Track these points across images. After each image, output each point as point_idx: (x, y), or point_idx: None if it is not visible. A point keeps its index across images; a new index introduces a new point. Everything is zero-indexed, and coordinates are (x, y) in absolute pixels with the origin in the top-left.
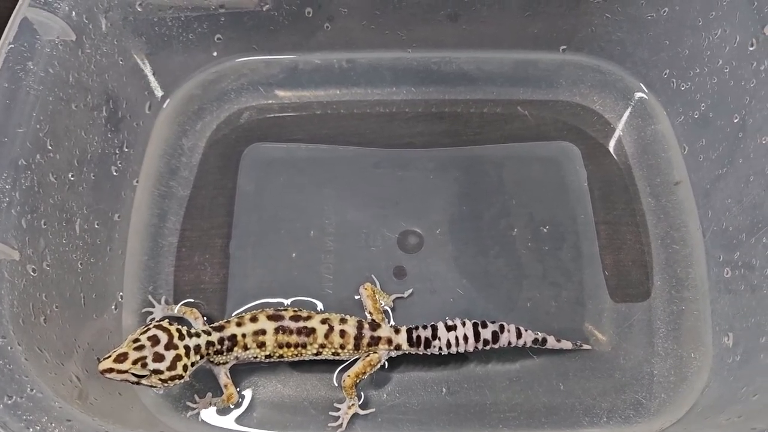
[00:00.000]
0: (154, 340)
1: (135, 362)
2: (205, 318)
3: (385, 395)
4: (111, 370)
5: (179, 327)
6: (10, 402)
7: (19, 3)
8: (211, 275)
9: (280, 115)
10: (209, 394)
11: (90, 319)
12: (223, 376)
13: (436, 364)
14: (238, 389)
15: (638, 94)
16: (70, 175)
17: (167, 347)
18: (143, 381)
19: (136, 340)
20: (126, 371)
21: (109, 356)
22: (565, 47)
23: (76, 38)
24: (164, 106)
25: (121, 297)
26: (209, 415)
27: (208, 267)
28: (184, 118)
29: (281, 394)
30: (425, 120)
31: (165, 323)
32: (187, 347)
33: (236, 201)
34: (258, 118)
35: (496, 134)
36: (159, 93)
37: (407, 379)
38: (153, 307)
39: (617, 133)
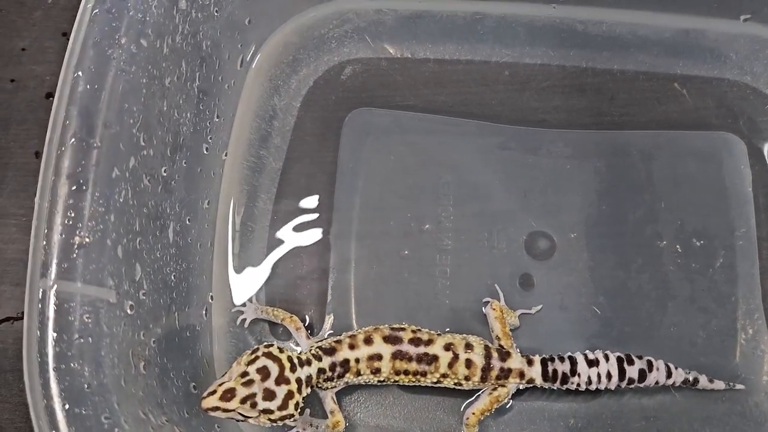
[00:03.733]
0: (264, 373)
1: (243, 401)
2: (307, 328)
3: (504, 427)
4: (216, 408)
5: (290, 354)
6: None
7: None
8: (308, 269)
9: (390, 74)
10: (307, 411)
11: (183, 338)
12: (330, 401)
13: (564, 394)
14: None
15: None
16: (162, 171)
17: (278, 381)
18: (250, 420)
19: (245, 374)
20: (233, 410)
21: (214, 392)
22: (748, 17)
23: None
24: (256, 57)
25: (212, 298)
26: None
27: (305, 258)
28: (276, 71)
29: (389, 417)
30: (563, 92)
31: (275, 350)
32: (299, 380)
33: (337, 179)
34: (363, 75)
35: (646, 117)
36: (252, 45)
37: (530, 410)
38: (244, 306)
39: None
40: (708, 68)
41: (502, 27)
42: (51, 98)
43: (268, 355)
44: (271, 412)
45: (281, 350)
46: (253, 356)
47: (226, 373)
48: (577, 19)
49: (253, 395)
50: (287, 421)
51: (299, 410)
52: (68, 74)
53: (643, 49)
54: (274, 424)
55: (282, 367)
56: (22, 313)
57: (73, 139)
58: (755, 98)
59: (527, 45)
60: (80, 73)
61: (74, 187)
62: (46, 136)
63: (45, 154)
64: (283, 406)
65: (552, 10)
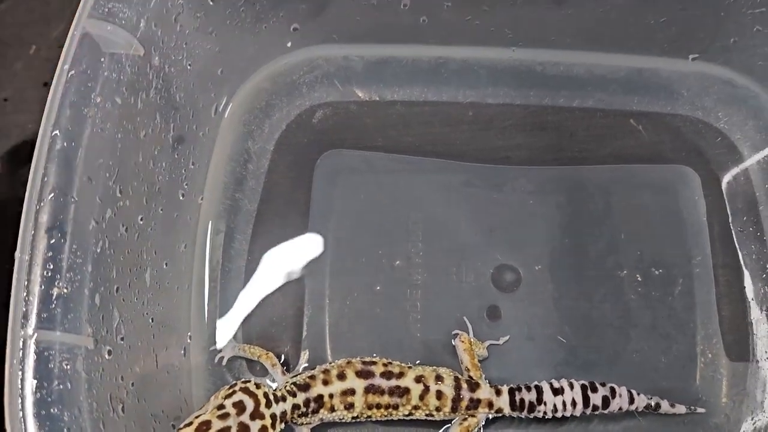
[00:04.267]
0: (240, 408)
1: None
2: (283, 364)
3: None
4: None
5: (266, 390)
6: None
7: (77, 14)
8: (284, 306)
9: (359, 116)
10: None
11: (162, 378)
12: None
13: (533, 422)
14: None
15: None
16: (139, 219)
17: (253, 416)
18: None
19: (221, 407)
20: None
21: (190, 423)
22: (696, 56)
23: (144, 52)
24: (230, 105)
25: (190, 338)
26: None
27: (280, 296)
28: (250, 117)
29: None
30: (524, 131)
31: (252, 386)
32: (273, 416)
33: (310, 219)
34: (333, 119)
35: (604, 152)
36: (225, 94)
37: None
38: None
39: (744, 158)
40: (662, 104)
41: (464, 70)
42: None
43: (245, 390)
44: None
45: (258, 386)
46: (231, 391)
47: (203, 406)
48: (536, 61)
49: (228, 428)
50: None
51: None
52: (46, 133)
53: (599, 88)
54: None
55: (258, 403)
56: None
57: (51, 195)
58: (707, 132)
59: (489, 86)
60: (57, 132)
61: (53, 241)
62: (26, 192)
63: (25, 209)
64: None
65: (511, 53)
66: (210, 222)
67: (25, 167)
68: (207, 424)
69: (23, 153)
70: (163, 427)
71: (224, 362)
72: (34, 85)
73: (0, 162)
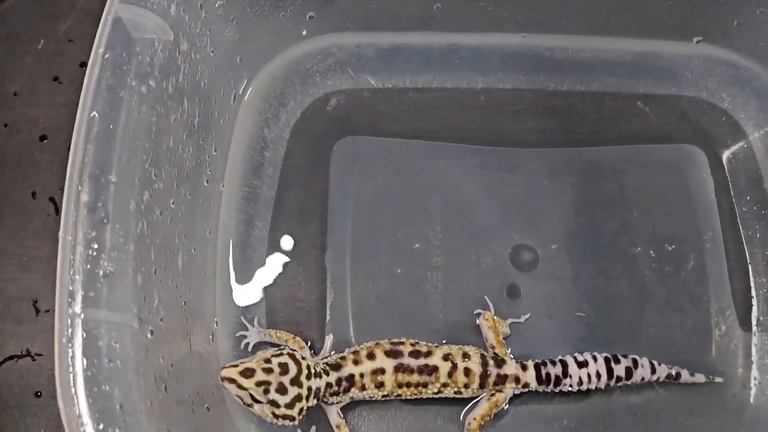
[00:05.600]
0: (284, 369)
1: (259, 384)
2: (310, 346)
3: None
4: (232, 380)
5: (309, 363)
6: None
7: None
8: (306, 291)
9: (373, 103)
10: (314, 428)
11: (196, 362)
12: (335, 416)
13: (557, 396)
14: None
15: None
16: (171, 203)
17: (293, 382)
18: (255, 407)
19: (267, 361)
20: (246, 389)
21: (236, 365)
22: (700, 39)
23: (174, 37)
24: (247, 92)
25: (216, 323)
26: None
27: (303, 282)
28: (265, 105)
29: (392, 429)
30: (536, 114)
31: (298, 355)
32: (309, 389)
33: (329, 205)
34: (347, 106)
35: (613, 133)
36: (243, 81)
37: (525, 413)
38: (246, 330)
39: (748, 136)
40: (667, 86)
41: (476, 56)
42: (45, 140)
43: (292, 356)
44: (277, 405)
45: (303, 358)
46: (279, 352)
47: (250, 358)
48: (544, 47)
49: (269, 383)
50: (286, 422)
51: (302, 417)
52: (84, 115)
53: (606, 72)
54: (274, 421)
55: (300, 371)
56: (26, 351)
57: (91, 176)
58: (712, 112)
59: (500, 72)
60: (95, 113)
61: (95, 220)
62: (66, 173)
63: (66, 191)
64: (290, 405)
65: (521, 38)
66: (231, 209)
67: (38, 160)
68: (251, 371)
69: (35, 146)
70: (200, 410)
71: (250, 348)
72: (43, 80)
73: (14, 156)
